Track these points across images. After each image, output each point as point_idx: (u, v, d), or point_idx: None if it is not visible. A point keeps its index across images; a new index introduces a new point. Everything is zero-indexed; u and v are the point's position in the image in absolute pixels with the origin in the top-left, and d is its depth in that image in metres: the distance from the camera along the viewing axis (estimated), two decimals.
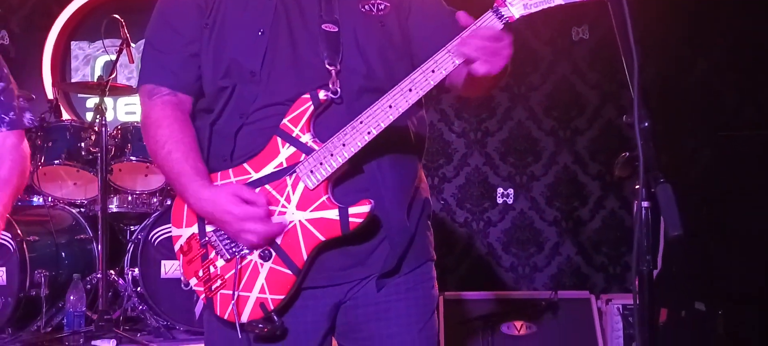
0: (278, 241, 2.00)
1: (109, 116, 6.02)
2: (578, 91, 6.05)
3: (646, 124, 1.87)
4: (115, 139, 4.93)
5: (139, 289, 4.64)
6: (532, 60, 5.98)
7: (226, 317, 2.05)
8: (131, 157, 4.92)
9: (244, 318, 2.03)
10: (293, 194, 2.00)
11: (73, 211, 4.94)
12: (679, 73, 5.97)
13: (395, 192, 2.10)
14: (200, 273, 2.09)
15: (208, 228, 2.07)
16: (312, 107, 1.99)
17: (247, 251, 2.02)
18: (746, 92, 5.97)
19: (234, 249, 2.03)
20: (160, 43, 2.17)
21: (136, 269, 4.64)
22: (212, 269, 2.08)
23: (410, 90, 1.92)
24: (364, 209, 1.95)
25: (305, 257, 2.00)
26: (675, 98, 5.91)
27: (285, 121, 2.01)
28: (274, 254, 2.01)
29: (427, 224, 2.28)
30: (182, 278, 2.08)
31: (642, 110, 1.85)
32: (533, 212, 6.06)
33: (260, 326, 2.02)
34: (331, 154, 1.96)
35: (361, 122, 1.94)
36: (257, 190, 2.00)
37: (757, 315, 4.21)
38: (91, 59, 6.36)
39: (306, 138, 1.99)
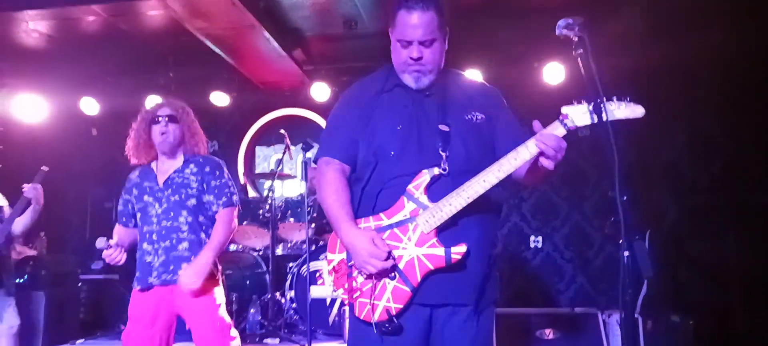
0: (401, 267, 1.98)
1: (277, 193, 6.18)
2: (583, 169, 5.87)
3: (625, 197, 1.78)
4: (281, 209, 5.04)
5: (294, 305, 4.67)
6: None
7: (362, 318, 2.02)
8: (290, 219, 5.04)
9: (375, 318, 1.99)
10: (413, 235, 1.98)
11: (254, 254, 5.04)
12: (655, 155, 5.74)
13: (477, 242, 2.02)
14: (346, 286, 2.06)
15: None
16: (429, 179, 1.99)
17: (375, 273, 1.99)
18: (702, 167, 5.69)
19: (372, 274, 2.00)
20: (334, 132, 2.20)
21: (293, 292, 4.69)
22: (354, 284, 2.04)
23: (499, 170, 1.92)
24: (462, 249, 1.93)
25: (419, 279, 1.97)
26: (652, 173, 5.67)
27: (410, 186, 2.00)
28: (397, 276, 1.98)
29: (496, 275, 2.18)
30: (333, 288, 2.07)
31: (622, 188, 1.77)
32: (556, 254, 5.86)
33: (386, 325, 1.98)
34: (441, 210, 1.94)
35: (463, 190, 1.93)
36: (387, 232, 2.00)
37: (715, 322, 3.93)
38: (268, 157, 6.56)
39: (423, 199, 1.98)
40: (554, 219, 5.88)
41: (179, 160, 2.98)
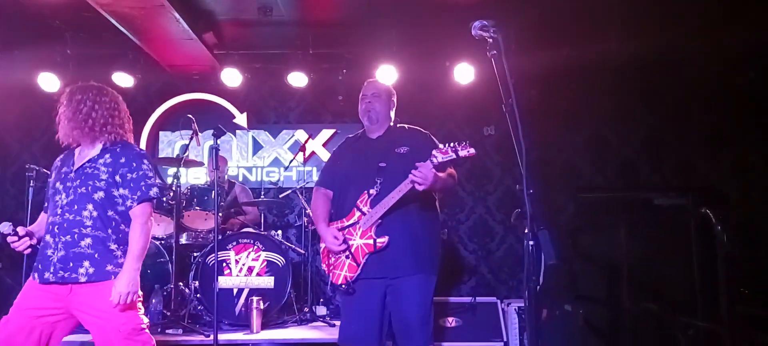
0: (352, 251, 2.95)
1: (183, 180, 5.94)
2: (488, 167, 6.07)
3: (532, 191, 1.87)
4: (186, 196, 4.84)
5: (198, 295, 4.51)
6: None
7: (333, 281, 3.03)
8: (196, 207, 4.84)
9: (339, 282, 2.99)
10: (359, 231, 2.96)
11: (157, 242, 4.81)
12: (554, 155, 6.04)
13: (400, 235, 2.92)
14: (327, 262, 3.09)
15: None
16: (367, 196, 2.96)
17: (341, 254, 2.99)
18: (597, 167, 6.05)
19: (338, 254, 3.00)
20: (325, 168, 3.35)
21: (197, 282, 4.52)
22: (330, 261, 3.07)
23: (397, 191, 2.83)
24: (383, 239, 2.90)
25: (361, 260, 2.94)
26: (551, 171, 5.98)
27: (358, 202, 2.98)
28: (351, 257, 2.97)
29: (421, 255, 2.98)
30: (322, 265, 3.18)
31: (529, 181, 1.86)
32: (460, 246, 6.02)
33: (343, 286, 2.97)
34: (372, 216, 2.92)
35: (382, 204, 2.88)
36: (346, 229, 2.99)
37: (605, 311, 4.20)
38: (172, 143, 6.29)
39: (365, 209, 2.96)
40: (459, 212, 6.05)
41: (97, 149, 2.76)
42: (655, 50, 5.33)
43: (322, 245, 3.11)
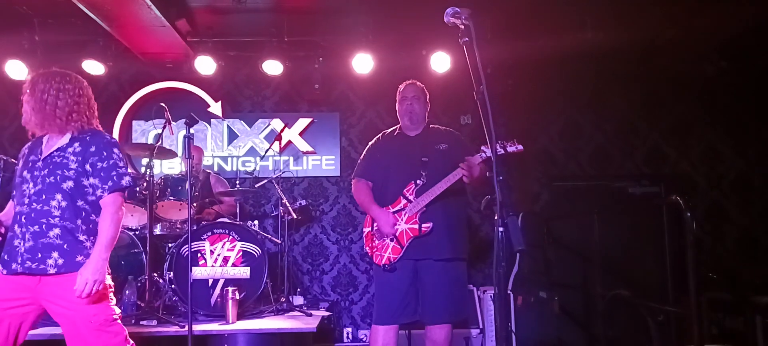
0: (397, 235, 3.34)
1: (156, 170, 5.87)
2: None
3: (501, 177, 1.90)
4: (159, 186, 4.79)
5: (173, 286, 4.48)
6: None
7: (376, 262, 3.41)
8: (170, 197, 4.78)
9: (382, 263, 3.38)
10: (403, 217, 3.36)
11: (130, 233, 4.75)
12: (529, 143, 6.09)
13: (442, 222, 3.32)
14: (371, 245, 3.46)
15: (375, 228, 3.46)
16: (414, 186, 3.37)
17: (386, 238, 3.37)
18: (570, 155, 6.12)
19: (383, 238, 3.39)
20: (364, 161, 3.65)
21: (172, 273, 4.48)
22: (374, 243, 3.45)
23: (443, 183, 3.23)
24: (428, 225, 3.30)
25: (405, 243, 3.34)
26: (526, 159, 6.03)
27: (405, 191, 3.39)
28: (395, 240, 3.35)
29: (459, 241, 3.43)
30: (365, 247, 3.52)
31: (499, 168, 1.89)
32: None
33: (387, 266, 3.35)
34: (418, 204, 3.31)
35: (427, 193, 3.28)
36: (393, 213, 3.38)
37: (579, 298, 4.26)
38: (146, 132, 6.21)
39: (411, 197, 3.36)
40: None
41: (66, 137, 2.71)
42: (628, 39, 5.39)
43: (367, 229, 3.51)
